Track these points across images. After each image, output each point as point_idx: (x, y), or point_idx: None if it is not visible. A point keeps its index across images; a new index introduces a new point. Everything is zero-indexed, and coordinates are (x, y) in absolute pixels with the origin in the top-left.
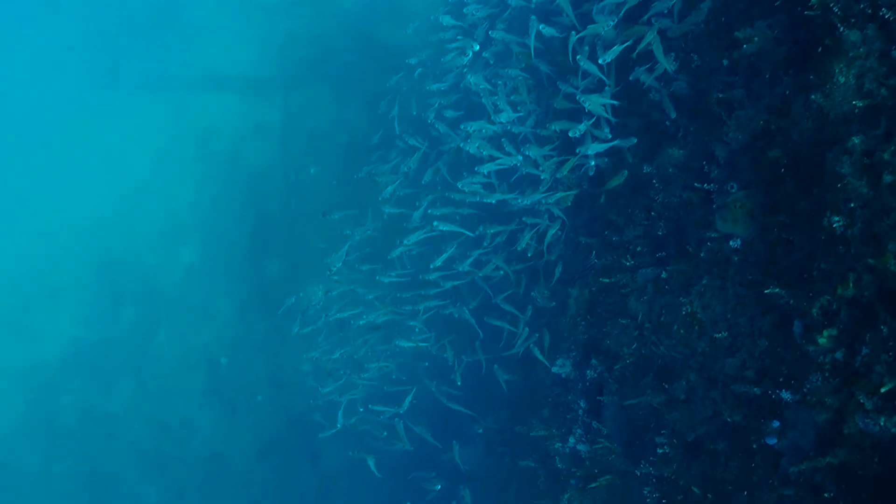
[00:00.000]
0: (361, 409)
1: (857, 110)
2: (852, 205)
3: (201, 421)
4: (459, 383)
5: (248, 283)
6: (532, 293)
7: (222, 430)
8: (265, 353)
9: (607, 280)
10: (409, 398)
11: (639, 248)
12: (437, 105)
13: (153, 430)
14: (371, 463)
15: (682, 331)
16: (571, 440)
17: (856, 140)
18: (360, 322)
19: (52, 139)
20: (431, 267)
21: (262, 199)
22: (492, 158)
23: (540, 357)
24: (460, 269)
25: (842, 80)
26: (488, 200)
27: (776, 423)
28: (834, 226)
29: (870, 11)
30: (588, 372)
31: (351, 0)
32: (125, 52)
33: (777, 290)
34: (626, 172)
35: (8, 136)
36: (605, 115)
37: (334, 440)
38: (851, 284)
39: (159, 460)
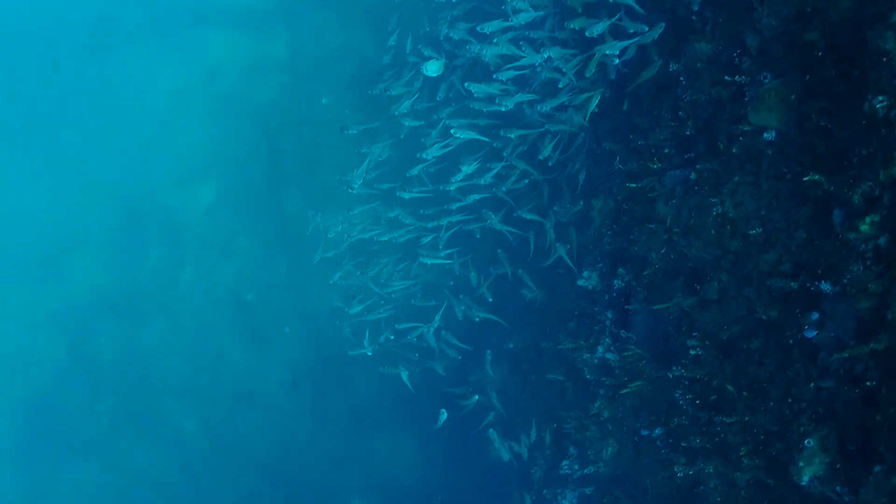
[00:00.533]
0: (389, 333)
1: None
2: None
3: (232, 354)
4: (490, 299)
5: (269, 217)
6: (555, 207)
7: (253, 363)
8: (290, 286)
9: (633, 185)
10: (438, 315)
11: (666, 151)
12: (448, 17)
13: (187, 364)
14: (405, 377)
15: (712, 231)
16: (600, 350)
17: None
18: (384, 239)
19: (61, 88)
20: (452, 181)
21: (276, 133)
22: (510, 64)
23: (567, 261)
24: (482, 183)
25: None
26: (507, 105)
27: (815, 315)
28: (877, 107)
29: None
30: (615, 282)
31: None
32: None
33: (816, 177)
34: (659, 62)
35: (20, 87)
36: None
37: (364, 366)
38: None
39: (195, 394)
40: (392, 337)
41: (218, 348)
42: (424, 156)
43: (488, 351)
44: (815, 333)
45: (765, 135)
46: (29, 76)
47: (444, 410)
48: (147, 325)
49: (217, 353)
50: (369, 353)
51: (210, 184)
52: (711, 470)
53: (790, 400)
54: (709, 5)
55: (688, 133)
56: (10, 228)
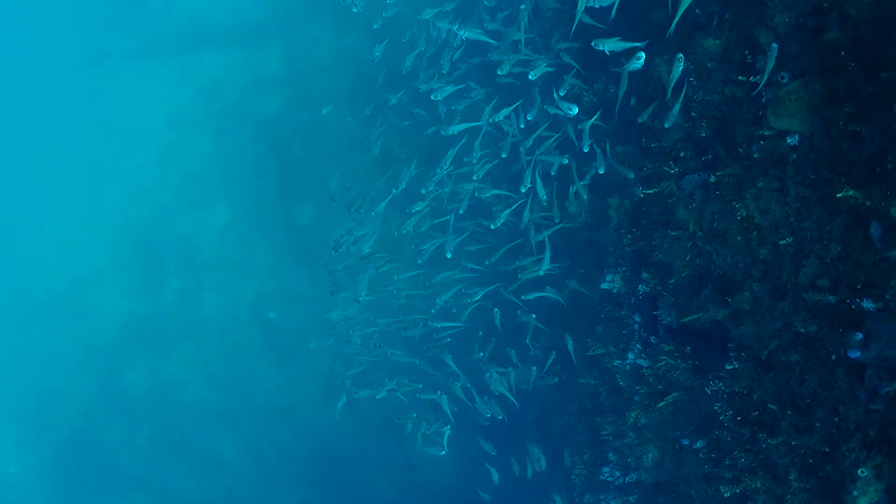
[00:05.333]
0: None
1: None
2: None
3: (262, 374)
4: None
5: (283, 232)
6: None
7: (283, 380)
8: (310, 300)
9: (651, 191)
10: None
11: (682, 154)
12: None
13: (217, 388)
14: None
15: (738, 237)
16: (630, 356)
17: None
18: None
19: (63, 123)
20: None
21: (281, 147)
22: None
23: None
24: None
25: None
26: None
27: (859, 336)
28: None
29: None
30: (640, 286)
31: None
32: (117, 20)
33: (851, 191)
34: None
35: (23, 130)
36: None
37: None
38: None
39: (229, 416)
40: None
41: (247, 369)
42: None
43: (511, 369)
44: (858, 354)
45: (788, 139)
46: (34, 111)
47: (494, 471)
48: (174, 353)
49: (246, 374)
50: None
51: (221, 204)
52: (759, 485)
53: (837, 419)
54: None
55: (703, 135)
56: (30, 268)
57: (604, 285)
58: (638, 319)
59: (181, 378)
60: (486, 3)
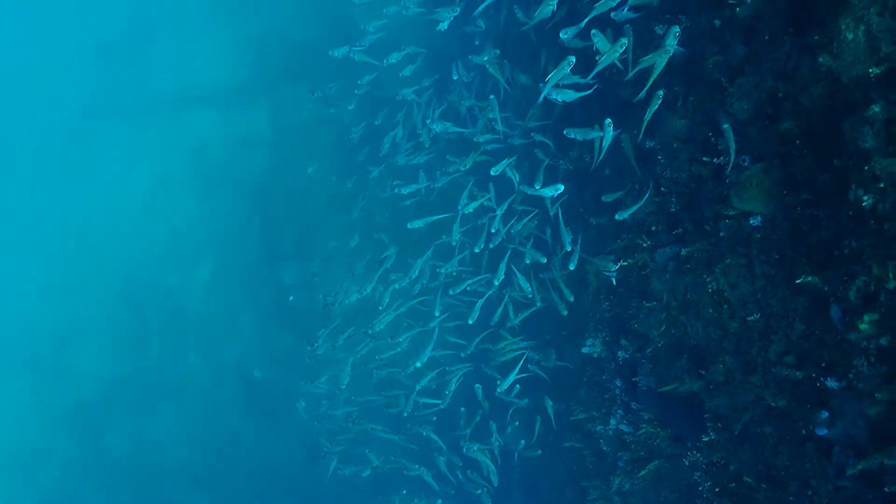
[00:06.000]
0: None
1: (873, 75)
2: (882, 185)
3: (245, 434)
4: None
5: (268, 291)
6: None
7: (266, 442)
8: (296, 360)
9: (625, 263)
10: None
11: (654, 228)
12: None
13: (200, 450)
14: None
15: (710, 310)
16: (613, 422)
17: (876, 108)
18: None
19: (49, 182)
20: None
21: (266, 206)
22: None
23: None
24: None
25: (850, 36)
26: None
27: (825, 414)
28: (862, 204)
29: None
30: (619, 353)
31: None
32: (105, 81)
33: (809, 278)
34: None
35: (9, 187)
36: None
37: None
38: (891, 275)
39: (211, 479)
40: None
41: (230, 430)
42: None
43: (493, 423)
44: (825, 432)
45: (751, 220)
46: (22, 169)
47: None
48: (156, 414)
49: (230, 435)
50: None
51: (206, 263)
52: None
53: (810, 492)
54: (678, 81)
55: (673, 210)
56: (11, 324)
57: (584, 349)
58: (619, 384)
59: (162, 439)
60: (464, 79)
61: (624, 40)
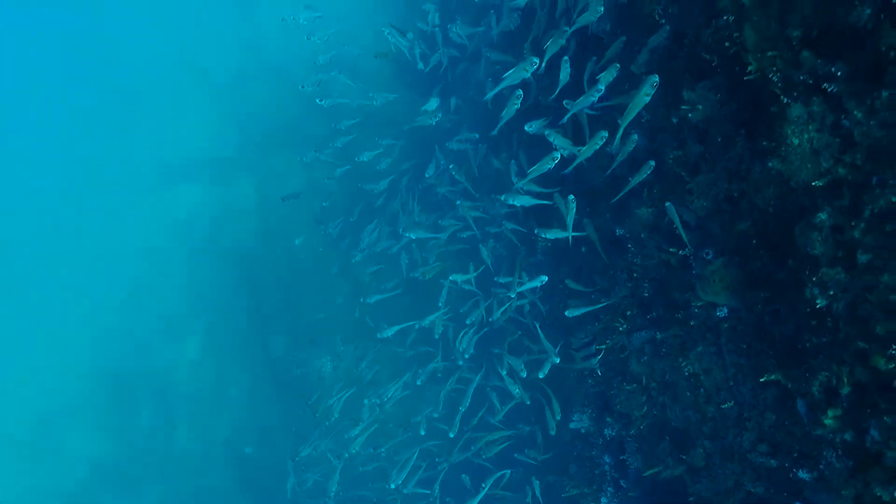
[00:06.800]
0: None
1: (817, 185)
2: (832, 292)
3: None
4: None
5: (257, 363)
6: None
7: None
8: (287, 433)
9: (603, 346)
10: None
11: (629, 313)
12: None
13: None
14: None
15: (688, 393)
16: (604, 500)
17: (822, 216)
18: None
19: (34, 256)
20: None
21: (254, 277)
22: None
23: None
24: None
25: (795, 141)
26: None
27: None
28: (817, 306)
29: (811, 82)
30: (606, 430)
31: (302, 67)
32: (91, 155)
33: (773, 376)
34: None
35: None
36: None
37: None
38: (846, 380)
39: None
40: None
41: None
42: None
43: None
44: None
45: (718, 312)
46: (6, 243)
47: None
48: (143, 495)
49: None
50: None
51: (194, 337)
52: None
53: None
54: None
55: (646, 295)
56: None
57: (572, 424)
58: (608, 460)
59: None
60: (446, 165)
61: (604, 133)
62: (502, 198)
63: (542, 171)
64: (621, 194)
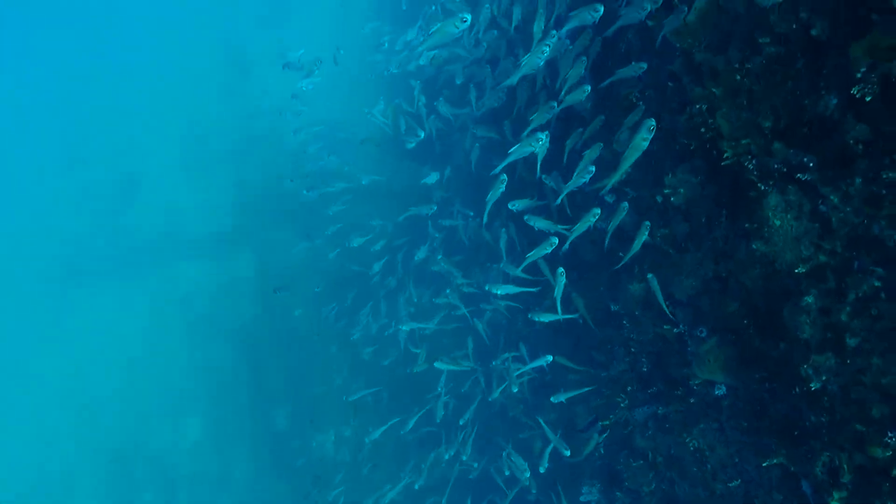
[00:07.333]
0: None
1: (800, 271)
2: (825, 377)
3: None
4: None
5: (261, 440)
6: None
7: None
8: None
9: (607, 422)
10: None
11: (629, 388)
12: None
13: None
14: None
15: (694, 469)
16: None
17: (809, 299)
18: None
19: (36, 335)
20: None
21: (255, 351)
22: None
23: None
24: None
25: (777, 223)
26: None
27: None
28: (812, 388)
29: (785, 170)
30: None
31: (295, 139)
32: (90, 234)
33: (775, 460)
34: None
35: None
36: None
37: None
38: (846, 467)
39: None
40: None
41: None
42: None
43: None
44: None
45: (716, 390)
46: (6, 324)
47: None
48: None
49: None
50: None
51: (196, 414)
52: None
53: None
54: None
55: (644, 369)
56: None
57: (582, 498)
58: None
59: None
60: (436, 235)
61: (597, 210)
62: (486, 287)
63: (539, 255)
64: (621, 263)
